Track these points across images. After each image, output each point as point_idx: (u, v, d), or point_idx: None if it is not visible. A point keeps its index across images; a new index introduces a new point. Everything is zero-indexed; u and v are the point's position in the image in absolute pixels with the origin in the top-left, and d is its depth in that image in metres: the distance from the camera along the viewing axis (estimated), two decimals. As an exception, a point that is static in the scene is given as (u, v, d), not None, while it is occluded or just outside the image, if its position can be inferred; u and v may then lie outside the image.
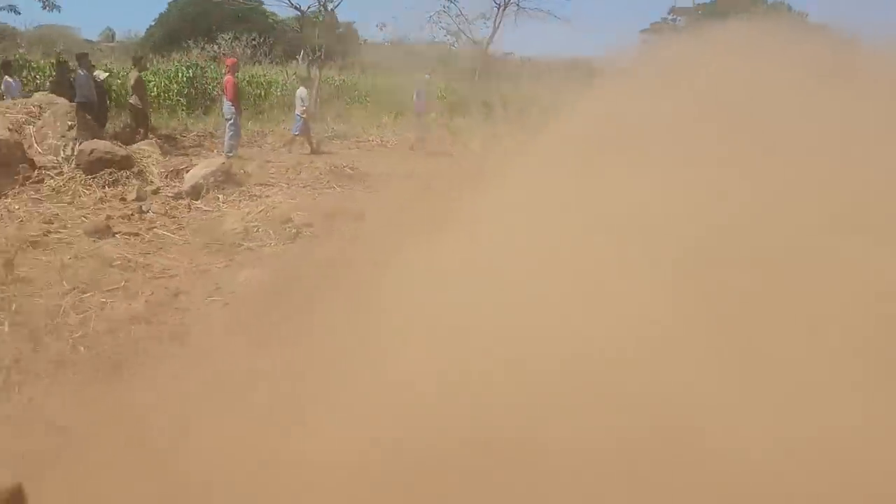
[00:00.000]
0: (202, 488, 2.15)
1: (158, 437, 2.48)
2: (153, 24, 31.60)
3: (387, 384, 2.31)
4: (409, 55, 19.94)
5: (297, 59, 21.00)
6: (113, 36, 35.07)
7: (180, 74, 16.14)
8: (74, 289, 4.63)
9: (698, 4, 27.76)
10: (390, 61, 19.36)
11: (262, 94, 17.68)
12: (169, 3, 30.98)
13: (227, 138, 10.56)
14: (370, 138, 14.23)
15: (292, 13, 19.63)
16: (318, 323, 3.19)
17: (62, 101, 8.19)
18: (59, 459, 2.54)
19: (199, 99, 15.95)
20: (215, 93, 15.39)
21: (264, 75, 19.00)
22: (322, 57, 17.20)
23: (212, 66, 17.61)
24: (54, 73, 10.48)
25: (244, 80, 16.44)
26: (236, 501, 2.16)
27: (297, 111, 11.60)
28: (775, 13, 19.46)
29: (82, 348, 3.81)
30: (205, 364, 3.24)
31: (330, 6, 16.90)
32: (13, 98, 9.35)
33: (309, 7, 17.87)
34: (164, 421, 2.58)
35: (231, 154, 10.15)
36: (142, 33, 31.01)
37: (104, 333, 4.00)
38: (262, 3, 23.24)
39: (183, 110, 15.29)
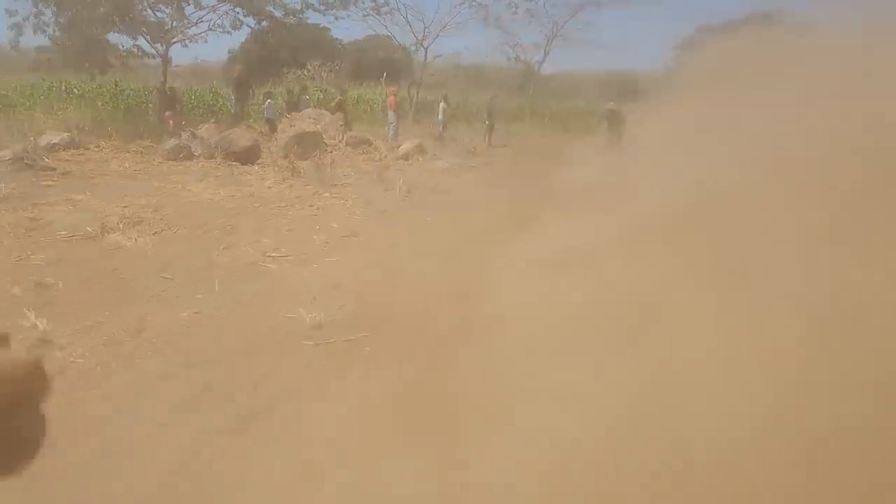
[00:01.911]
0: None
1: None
2: (236, 52, 37.70)
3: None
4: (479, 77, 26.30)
5: (381, 80, 27.21)
6: (170, 61, 41.01)
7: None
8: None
9: (727, 23, 32.06)
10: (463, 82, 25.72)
11: (369, 108, 23.88)
12: (250, 32, 37.08)
13: (391, 133, 16.63)
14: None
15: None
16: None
17: (327, 112, 14.41)
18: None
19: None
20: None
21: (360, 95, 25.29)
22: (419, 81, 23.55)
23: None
24: (289, 96, 17.16)
25: (355, 99, 22.59)
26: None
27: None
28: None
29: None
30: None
31: (426, 43, 23.17)
32: (270, 114, 15.52)
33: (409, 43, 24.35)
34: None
35: (394, 142, 16.10)
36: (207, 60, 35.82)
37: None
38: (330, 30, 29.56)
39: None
